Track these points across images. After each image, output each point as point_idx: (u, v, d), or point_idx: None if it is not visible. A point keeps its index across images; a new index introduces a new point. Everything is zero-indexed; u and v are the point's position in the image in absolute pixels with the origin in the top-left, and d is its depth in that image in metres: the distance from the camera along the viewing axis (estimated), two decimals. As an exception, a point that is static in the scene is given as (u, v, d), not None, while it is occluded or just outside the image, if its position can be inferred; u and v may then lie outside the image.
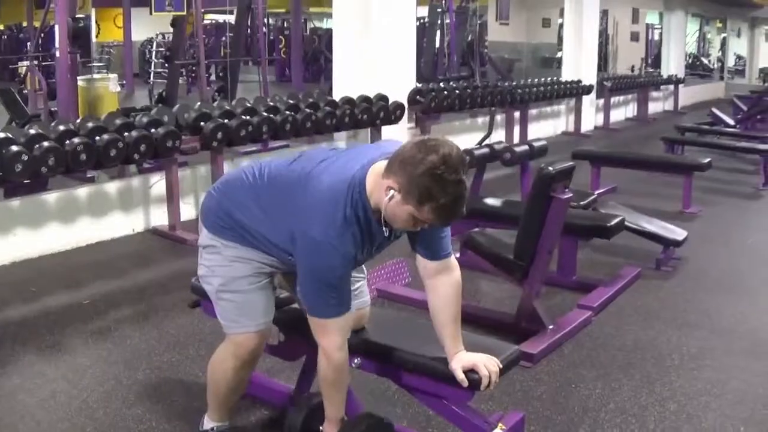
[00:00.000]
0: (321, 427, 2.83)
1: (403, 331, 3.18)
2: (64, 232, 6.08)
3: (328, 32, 19.75)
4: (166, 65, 14.68)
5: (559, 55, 23.10)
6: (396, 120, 8.52)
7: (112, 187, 6.52)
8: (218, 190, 2.94)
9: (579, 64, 13.89)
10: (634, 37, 22.83)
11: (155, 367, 4.01)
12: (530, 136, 11.63)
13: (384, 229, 2.58)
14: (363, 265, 3.07)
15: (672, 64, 19.51)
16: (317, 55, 17.58)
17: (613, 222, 5.26)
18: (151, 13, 9.53)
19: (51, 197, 6.09)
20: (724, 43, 27.87)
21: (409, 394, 3.13)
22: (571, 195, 4.34)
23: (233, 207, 2.82)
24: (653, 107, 17.52)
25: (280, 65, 19.13)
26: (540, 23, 22.50)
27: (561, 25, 23.80)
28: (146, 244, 6.37)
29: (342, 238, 2.52)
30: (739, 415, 3.64)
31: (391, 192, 2.43)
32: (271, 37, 18.69)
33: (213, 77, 15.90)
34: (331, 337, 2.64)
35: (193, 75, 15.76)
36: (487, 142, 8.98)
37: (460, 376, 2.70)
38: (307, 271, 2.60)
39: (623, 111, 16.41)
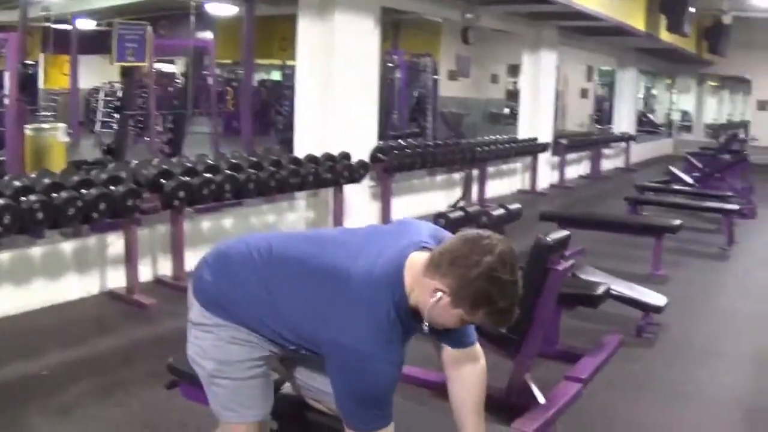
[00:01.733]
0: None
1: (414, 424, 2.88)
2: (17, 293, 5.72)
3: (275, 84, 19.63)
4: (114, 115, 14.36)
5: (506, 110, 23.46)
6: (359, 179, 8.31)
7: (67, 246, 6.15)
8: (216, 262, 2.63)
9: (535, 121, 13.87)
10: (584, 93, 23.14)
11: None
12: (487, 195, 11.57)
13: (424, 326, 2.33)
14: None
15: (624, 122, 19.72)
16: (267, 108, 17.36)
17: (600, 291, 5.11)
18: (111, 63, 9.26)
19: (3, 257, 5.72)
20: (671, 100, 28.27)
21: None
22: (568, 265, 4.14)
23: (233, 284, 2.55)
24: (605, 164, 17.60)
25: (227, 117, 18.94)
26: (489, 79, 22.74)
27: (510, 82, 24.30)
28: (103, 308, 6.02)
29: (390, 346, 2.28)
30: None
31: (439, 294, 2.22)
32: (219, 89, 18.54)
33: (160, 128, 15.62)
34: None
35: (141, 126, 15.47)
36: (459, 203, 8.82)
37: None
38: (346, 386, 2.33)
39: (576, 168, 16.39)
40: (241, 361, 2.54)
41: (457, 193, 11.21)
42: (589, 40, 16.03)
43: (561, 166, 14.84)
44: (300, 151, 8.22)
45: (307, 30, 8.24)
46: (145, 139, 12.38)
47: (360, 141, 8.64)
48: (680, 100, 28.12)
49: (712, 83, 27.86)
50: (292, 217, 8.21)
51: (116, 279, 6.28)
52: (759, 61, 21.71)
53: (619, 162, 18.64)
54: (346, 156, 8.18)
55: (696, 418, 4.49)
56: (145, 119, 12.42)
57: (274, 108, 17.15)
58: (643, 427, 4.25)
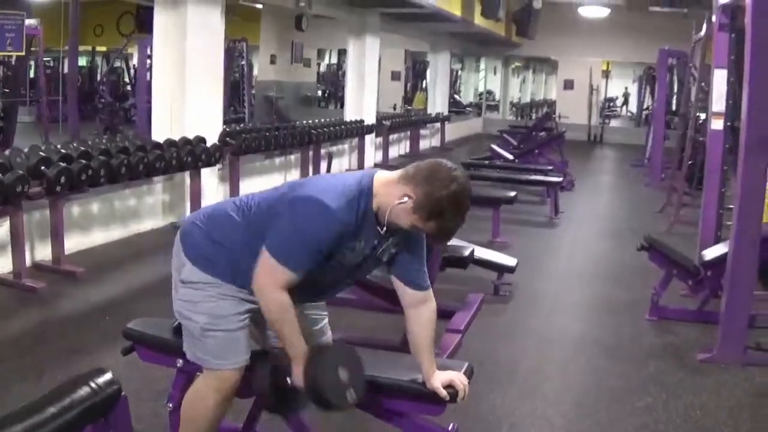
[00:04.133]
0: (288, 378, 2.93)
1: (371, 362, 3.22)
2: None
3: (102, 71, 19.25)
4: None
5: (318, 93, 23.98)
6: (216, 161, 8.64)
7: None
8: (206, 224, 3.00)
9: (361, 104, 14.45)
10: (396, 76, 23.90)
11: None
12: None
13: (379, 228, 2.84)
14: (324, 303, 3.30)
15: (438, 103, 20.62)
16: (92, 95, 17.08)
17: (467, 253, 5.73)
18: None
19: None
20: (479, 81, 29.43)
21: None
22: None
23: (223, 240, 2.93)
24: (423, 144, 18.45)
25: (49, 105, 18.39)
26: (301, 62, 23.02)
27: (319, 65, 24.80)
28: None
29: (344, 209, 2.75)
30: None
31: (406, 198, 2.74)
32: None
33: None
34: (276, 279, 2.78)
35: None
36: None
37: (443, 392, 2.97)
38: (291, 221, 2.78)
39: (397, 148, 17.13)
40: (232, 315, 2.93)
41: (294, 173, 11.75)
42: (406, 25, 16.74)
43: (384, 146, 15.50)
44: (156, 135, 8.47)
45: (162, 19, 8.48)
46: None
47: (210, 126, 8.99)
48: (487, 81, 29.43)
49: (518, 64, 29.27)
50: (150, 200, 8.45)
51: (2, 265, 6.41)
52: (564, 44, 23.06)
53: (435, 141, 19.58)
54: (202, 140, 8.50)
55: (561, 355, 5.40)
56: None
57: (96, 94, 16.87)
58: (522, 367, 4.97)
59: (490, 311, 5.95)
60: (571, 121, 19.15)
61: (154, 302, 5.92)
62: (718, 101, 6.58)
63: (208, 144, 8.59)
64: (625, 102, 32.83)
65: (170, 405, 3.26)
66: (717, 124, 6.62)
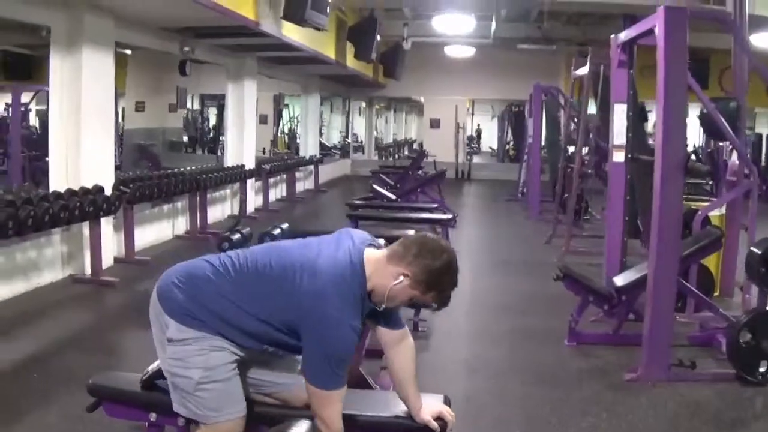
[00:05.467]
0: None
1: (351, 401, 3.25)
2: None
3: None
4: None
5: (185, 138, 23.73)
6: (116, 210, 8.50)
7: None
8: (185, 283, 3.03)
9: (241, 149, 14.38)
10: (263, 120, 23.89)
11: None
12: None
13: (374, 305, 3.01)
14: None
15: (310, 145, 20.71)
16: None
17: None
18: None
19: None
20: (346, 123, 29.64)
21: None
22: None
23: (206, 300, 2.98)
24: (298, 187, 18.49)
25: None
26: (167, 108, 22.75)
27: (188, 110, 24.56)
28: None
29: (355, 316, 2.90)
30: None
31: (401, 278, 2.91)
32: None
33: None
34: (334, 407, 2.92)
35: None
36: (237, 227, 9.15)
37: (434, 425, 3.09)
38: (319, 345, 2.87)
39: (273, 192, 17.08)
40: (224, 365, 2.98)
41: (181, 219, 11.64)
42: (280, 68, 16.82)
43: (264, 190, 15.45)
44: (54, 185, 8.24)
45: (58, 66, 8.29)
46: None
47: (105, 174, 8.85)
48: (353, 123, 29.70)
49: (382, 105, 29.65)
50: (49, 252, 8.20)
51: None
52: (430, 83, 23.59)
53: (308, 184, 19.64)
54: (100, 189, 8.34)
55: (494, 385, 5.55)
56: None
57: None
58: (457, 399, 5.06)
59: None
60: (438, 159, 19.55)
61: (76, 357, 5.86)
62: (619, 134, 6.94)
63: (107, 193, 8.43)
64: (478, 138, 33.83)
65: None
66: (618, 156, 6.97)
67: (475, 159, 27.59)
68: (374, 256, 2.98)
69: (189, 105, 24.34)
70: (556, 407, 5.01)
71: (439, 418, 3.12)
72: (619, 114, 6.91)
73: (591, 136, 10.89)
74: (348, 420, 3.09)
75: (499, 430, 4.65)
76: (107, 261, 8.80)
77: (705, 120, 6.75)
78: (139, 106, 19.31)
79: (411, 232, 8.53)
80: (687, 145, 6.10)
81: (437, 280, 2.93)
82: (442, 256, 2.92)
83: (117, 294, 8.02)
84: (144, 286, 8.57)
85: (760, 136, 21.07)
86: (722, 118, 6.21)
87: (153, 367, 3.23)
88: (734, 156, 7.75)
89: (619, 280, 6.35)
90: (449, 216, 10.66)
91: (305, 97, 20.84)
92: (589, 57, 9.49)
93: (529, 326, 7.01)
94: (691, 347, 6.06)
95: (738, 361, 5.39)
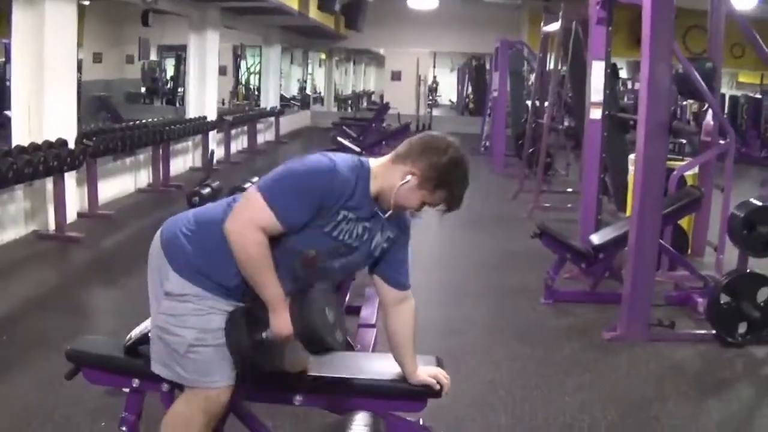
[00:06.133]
0: (264, 334, 2.73)
1: (342, 365, 3.23)
2: None
3: None
4: None
5: (142, 89, 23.35)
6: (80, 164, 8.31)
7: None
8: (192, 230, 2.77)
9: (203, 101, 14.16)
10: (222, 71, 23.52)
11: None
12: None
13: (382, 214, 2.76)
14: None
15: (271, 97, 20.46)
16: None
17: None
18: None
19: None
20: (306, 74, 29.34)
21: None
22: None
23: (214, 250, 2.69)
24: (259, 138, 18.31)
25: None
26: (124, 59, 22.36)
27: (145, 62, 24.13)
28: None
29: (345, 168, 2.65)
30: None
31: (409, 177, 2.68)
32: None
33: None
34: (258, 217, 2.59)
35: None
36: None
37: (433, 381, 3.00)
38: (288, 168, 2.66)
39: (234, 144, 16.87)
40: (220, 329, 2.69)
41: (143, 173, 11.46)
42: (242, 19, 16.53)
43: (227, 142, 15.28)
44: (16, 139, 8.01)
45: (20, 18, 8.01)
46: None
47: (68, 127, 8.64)
48: (313, 74, 29.41)
49: (341, 56, 29.37)
50: (12, 208, 8.00)
51: None
52: (393, 35, 23.30)
53: (269, 135, 19.46)
54: (64, 143, 8.13)
55: (477, 343, 5.50)
56: None
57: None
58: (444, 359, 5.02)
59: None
60: (399, 111, 19.39)
61: (48, 318, 5.70)
62: (596, 91, 6.89)
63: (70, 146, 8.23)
64: (435, 90, 33.68)
65: (123, 429, 3.05)
66: (596, 114, 6.93)
67: (435, 112, 27.45)
68: (378, 161, 2.79)
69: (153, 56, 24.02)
70: (539, 368, 5.00)
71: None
72: (597, 71, 6.85)
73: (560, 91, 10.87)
74: (342, 384, 3.04)
75: (483, 391, 4.59)
76: (71, 216, 8.61)
77: (680, 79, 6.70)
78: (97, 58, 18.95)
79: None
80: (672, 105, 6.05)
81: (446, 178, 2.69)
82: (448, 151, 2.68)
83: (82, 250, 7.88)
84: (109, 241, 8.45)
85: (735, 98, 20.91)
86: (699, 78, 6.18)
87: (136, 332, 3.05)
88: (708, 116, 7.75)
89: (596, 239, 6.34)
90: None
91: (266, 48, 20.55)
92: (561, 13, 9.38)
93: (505, 283, 6.99)
94: (667, 307, 6.07)
95: (718, 322, 5.41)
